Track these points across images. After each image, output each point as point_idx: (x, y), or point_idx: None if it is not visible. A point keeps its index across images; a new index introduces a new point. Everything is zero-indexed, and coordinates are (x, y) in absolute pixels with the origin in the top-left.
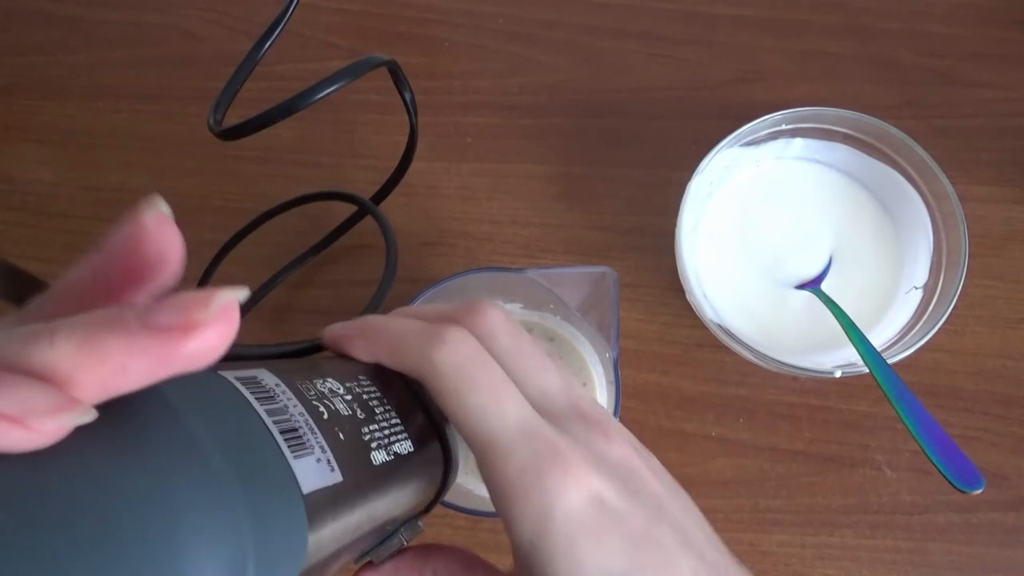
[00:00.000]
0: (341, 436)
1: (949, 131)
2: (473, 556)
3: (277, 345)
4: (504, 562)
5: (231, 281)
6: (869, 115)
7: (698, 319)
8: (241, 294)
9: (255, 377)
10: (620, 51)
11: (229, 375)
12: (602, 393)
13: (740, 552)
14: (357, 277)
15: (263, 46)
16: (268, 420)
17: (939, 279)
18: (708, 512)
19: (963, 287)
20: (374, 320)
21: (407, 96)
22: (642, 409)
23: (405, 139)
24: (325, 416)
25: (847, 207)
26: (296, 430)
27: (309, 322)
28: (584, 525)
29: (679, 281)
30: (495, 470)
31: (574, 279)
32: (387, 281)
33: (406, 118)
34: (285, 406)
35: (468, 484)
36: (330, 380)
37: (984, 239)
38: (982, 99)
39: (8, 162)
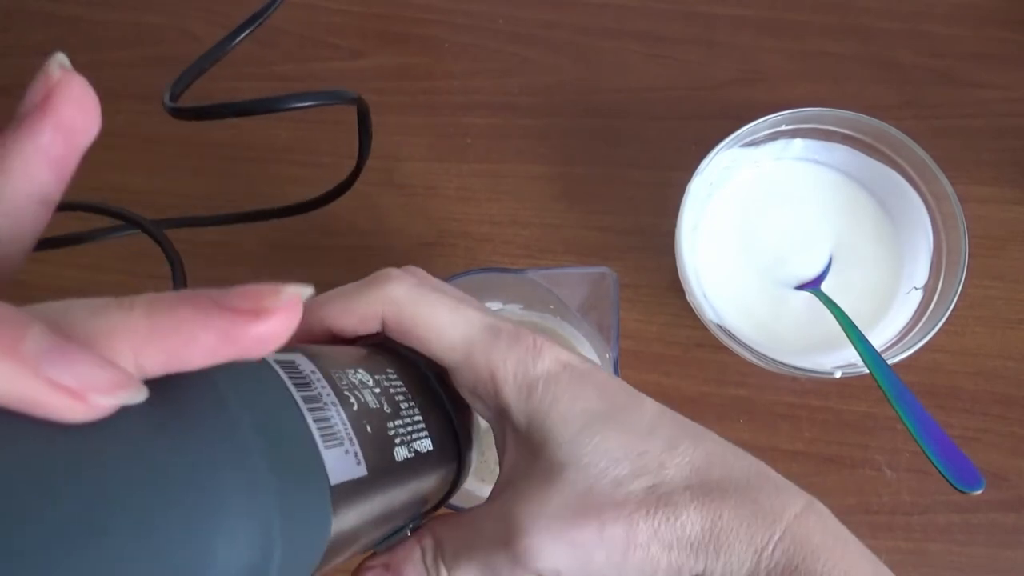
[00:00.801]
0: (368, 429)
1: (949, 131)
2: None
3: None
4: None
5: (233, 281)
6: (869, 115)
7: (698, 319)
8: (307, 291)
9: (294, 362)
10: (620, 51)
11: (270, 358)
12: None
13: None
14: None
15: (239, 35)
16: (304, 408)
17: (939, 279)
18: None
19: (963, 287)
20: (334, 291)
21: (366, 142)
22: None
23: (405, 139)
24: (355, 407)
25: (847, 208)
26: (328, 420)
27: None
28: (562, 382)
29: (679, 281)
30: (478, 364)
31: (574, 280)
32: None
33: (406, 118)
34: (319, 394)
35: (468, 484)
36: (361, 371)
37: (984, 239)
38: (982, 99)
39: None
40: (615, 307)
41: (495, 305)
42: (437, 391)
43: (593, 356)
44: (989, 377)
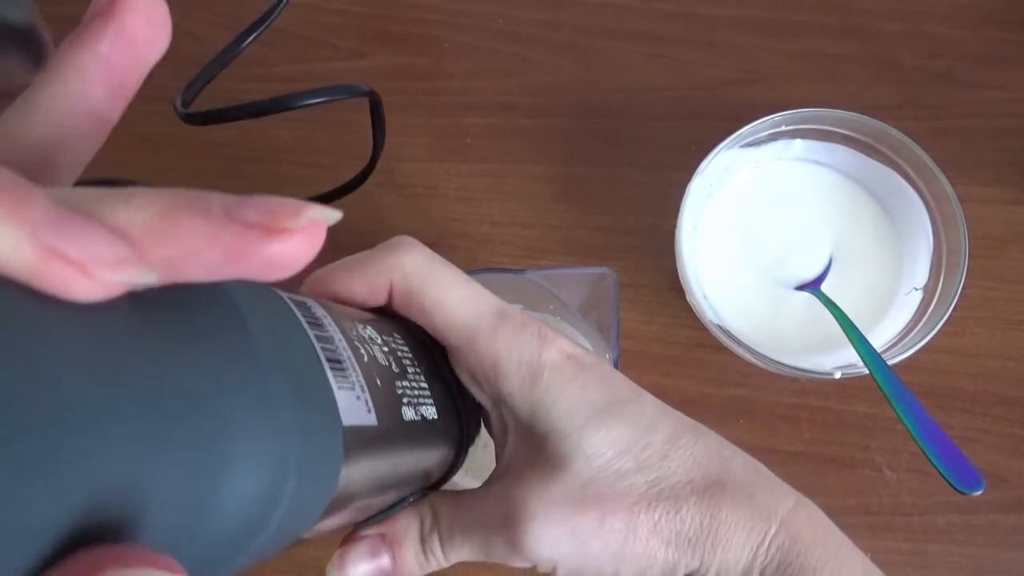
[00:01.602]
0: (378, 382)
1: (949, 132)
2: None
3: None
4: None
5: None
6: (869, 116)
7: (698, 320)
8: (334, 215)
9: (306, 303)
10: (620, 52)
11: (283, 294)
12: None
13: None
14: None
15: (246, 39)
16: (318, 346)
17: (939, 280)
18: None
19: (963, 288)
20: (344, 259)
21: (379, 136)
22: None
23: (405, 139)
24: (365, 359)
25: (847, 208)
26: (341, 362)
27: None
28: (566, 373)
29: (679, 282)
30: (481, 346)
31: (574, 280)
32: None
33: (407, 118)
34: (332, 337)
35: (465, 484)
36: (370, 328)
37: (984, 240)
38: (982, 100)
39: None
40: (615, 307)
41: None
42: (442, 367)
43: None
44: (989, 378)
